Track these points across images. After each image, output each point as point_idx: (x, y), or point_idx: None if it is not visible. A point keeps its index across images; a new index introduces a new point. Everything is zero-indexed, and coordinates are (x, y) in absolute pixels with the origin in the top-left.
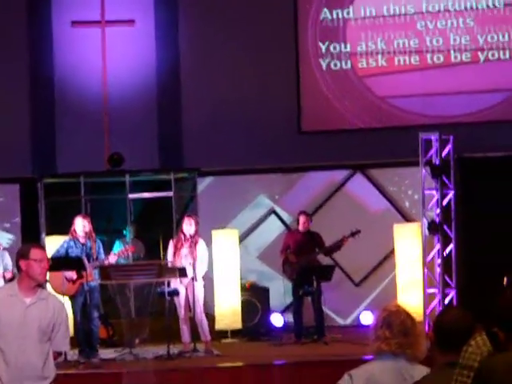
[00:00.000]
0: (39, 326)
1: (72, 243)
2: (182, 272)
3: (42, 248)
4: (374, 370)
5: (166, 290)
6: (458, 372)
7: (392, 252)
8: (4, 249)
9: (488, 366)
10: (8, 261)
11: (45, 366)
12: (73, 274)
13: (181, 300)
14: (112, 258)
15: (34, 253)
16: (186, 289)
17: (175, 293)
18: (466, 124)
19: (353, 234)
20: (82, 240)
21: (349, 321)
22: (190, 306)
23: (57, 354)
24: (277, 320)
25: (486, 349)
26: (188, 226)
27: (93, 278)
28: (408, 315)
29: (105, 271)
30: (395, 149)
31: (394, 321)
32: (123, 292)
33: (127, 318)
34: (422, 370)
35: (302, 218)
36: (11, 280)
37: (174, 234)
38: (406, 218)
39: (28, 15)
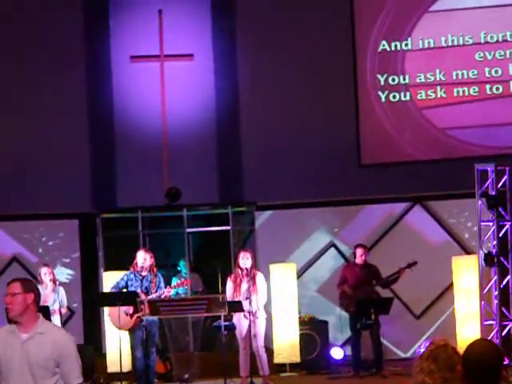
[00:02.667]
0: (37, 361)
1: (132, 276)
2: (237, 306)
3: (15, 281)
4: None
5: (223, 324)
6: None
7: (452, 284)
8: (60, 284)
9: None
10: (63, 297)
11: None
12: (130, 308)
13: (242, 333)
14: (168, 292)
15: (7, 287)
16: (248, 322)
17: (232, 327)
18: None
19: (409, 266)
20: (142, 273)
21: (409, 354)
22: (250, 340)
23: None
24: (336, 353)
25: None
26: (244, 260)
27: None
28: (455, 351)
29: (153, 305)
30: (454, 180)
31: (441, 355)
32: (179, 326)
33: (179, 352)
34: None
35: (359, 251)
36: (70, 316)
37: (233, 268)
38: (466, 249)
39: (87, 51)
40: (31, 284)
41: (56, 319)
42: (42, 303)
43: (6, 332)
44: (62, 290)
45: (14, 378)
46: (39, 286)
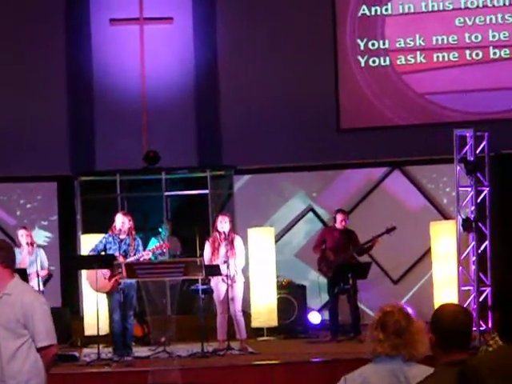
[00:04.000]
0: (0, 322)
1: (111, 239)
2: (214, 270)
3: None
4: (368, 372)
5: (200, 287)
6: None
7: (429, 250)
8: (39, 246)
9: (471, 369)
10: (44, 259)
11: (10, 364)
12: (107, 271)
13: (219, 297)
14: (147, 255)
15: None
16: (226, 286)
17: (209, 290)
18: (503, 120)
19: (388, 231)
20: (121, 237)
21: None
22: (227, 304)
23: (47, 353)
24: (314, 318)
25: None
26: (222, 224)
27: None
28: (403, 314)
29: (131, 268)
30: (433, 146)
31: (388, 321)
32: (156, 289)
33: (157, 315)
34: (420, 370)
35: (339, 217)
36: (48, 278)
37: (211, 232)
38: (444, 215)
39: (66, 14)
40: None
41: (35, 282)
42: (19, 266)
43: None
44: (42, 251)
45: None
46: (16, 249)
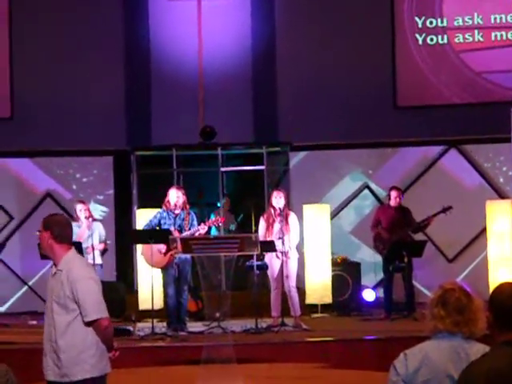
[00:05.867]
0: (53, 297)
1: (165, 214)
2: (269, 246)
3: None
4: (428, 348)
5: (255, 263)
6: None
7: (485, 229)
8: (96, 220)
9: (466, 377)
10: (102, 232)
11: (62, 338)
12: (163, 246)
13: (273, 273)
14: (202, 229)
15: None
16: (280, 262)
17: (264, 267)
18: None
19: (444, 210)
20: (175, 211)
21: None
22: (282, 280)
23: (97, 327)
24: (368, 295)
25: None
26: (277, 200)
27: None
28: (463, 292)
29: (186, 243)
30: (490, 124)
31: (449, 299)
32: (211, 264)
33: (211, 291)
34: (479, 348)
35: (393, 193)
36: (103, 252)
37: (266, 208)
38: (500, 194)
39: None
40: (49, 221)
41: (96, 255)
42: (76, 240)
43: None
44: (100, 225)
45: (45, 312)
46: (74, 223)
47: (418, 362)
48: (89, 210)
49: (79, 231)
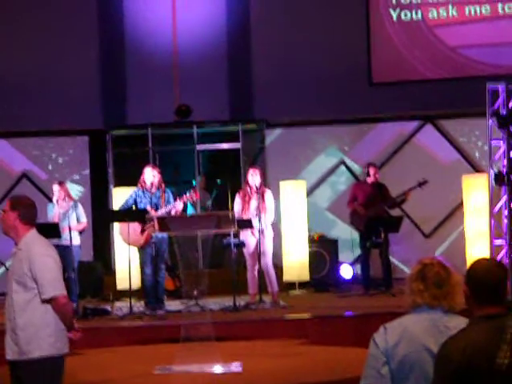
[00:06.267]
0: (13, 275)
1: (141, 193)
2: (246, 223)
3: (8, 199)
4: (408, 322)
5: (232, 241)
6: None
7: (462, 203)
8: (75, 201)
9: (444, 352)
10: (80, 213)
11: (21, 316)
12: (139, 225)
13: (250, 251)
14: (178, 205)
15: None
16: (256, 240)
17: (241, 244)
18: None
19: (420, 185)
20: (151, 190)
21: None
22: (258, 257)
23: (55, 304)
24: (346, 272)
25: None
26: (252, 177)
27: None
28: (442, 267)
29: (163, 222)
30: (465, 99)
31: (428, 273)
32: (188, 243)
33: (189, 269)
34: (459, 321)
35: (371, 170)
36: (81, 232)
37: (242, 186)
38: (476, 168)
39: None
40: (16, 202)
41: (74, 235)
42: (53, 220)
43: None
44: (79, 206)
45: (7, 292)
46: (50, 204)
47: (397, 335)
48: (66, 190)
49: (53, 212)
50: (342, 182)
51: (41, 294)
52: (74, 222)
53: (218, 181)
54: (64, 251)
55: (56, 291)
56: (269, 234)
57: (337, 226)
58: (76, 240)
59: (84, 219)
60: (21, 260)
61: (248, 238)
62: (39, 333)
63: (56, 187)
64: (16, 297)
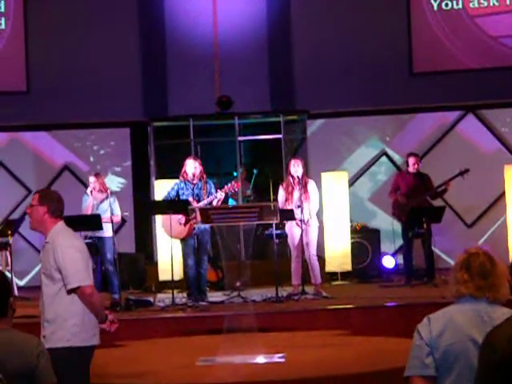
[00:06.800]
0: (42, 268)
1: (183, 185)
2: (289, 215)
3: (36, 193)
4: (452, 312)
5: (275, 232)
6: None
7: (504, 193)
8: (112, 193)
9: (489, 341)
10: (115, 205)
11: (49, 308)
12: (182, 217)
13: (294, 242)
14: (220, 195)
15: None
16: (300, 231)
17: (284, 235)
18: None
19: (461, 173)
20: (193, 182)
21: None
22: (302, 248)
23: (80, 294)
24: (388, 262)
25: None
26: (295, 168)
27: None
28: (488, 257)
29: (205, 213)
30: (507, 89)
31: (473, 263)
32: (230, 234)
33: (231, 260)
34: (503, 312)
35: (411, 160)
36: (120, 224)
37: (284, 177)
38: None
39: None
40: (45, 196)
41: (106, 228)
42: (86, 211)
43: None
44: (114, 198)
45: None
46: (85, 195)
47: (441, 325)
48: (102, 182)
49: (87, 204)
50: (383, 172)
51: (66, 284)
52: (107, 214)
53: (255, 170)
54: (98, 243)
55: (81, 282)
56: (313, 225)
57: (379, 217)
58: (109, 232)
59: (118, 212)
60: (48, 252)
61: (293, 228)
62: (65, 323)
63: (92, 178)
64: (46, 290)
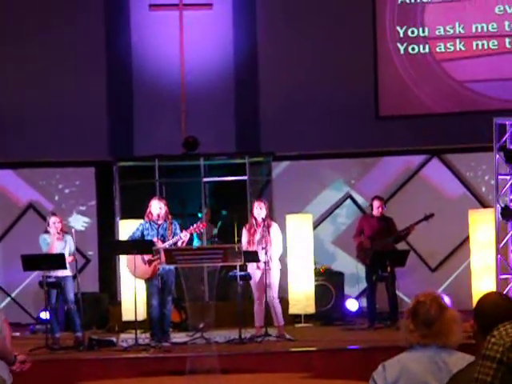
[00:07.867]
0: None
1: (148, 225)
2: (252, 256)
3: None
4: (406, 359)
5: (238, 274)
6: (481, 363)
7: (468, 238)
8: (67, 233)
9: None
10: (71, 244)
11: None
12: (148, 256)
13: (256, 283)
14: (185, 236)
15: None
16: (262, 273)
17: (247, 277)
18: None
19: (426, 218)
20: (158, 222)
21: None
22: (264, 290)
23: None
24: (351, 305)
25: (509, 339)
26: (258, 210)
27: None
28: (436, 304)
29: (170, 254)
30: (473, 134)
31: (419, 311)
32: (195, 275)
33: (195, 301)
34: (458, 357)
35: (376, 203)
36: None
37: (249, 219)
38: (483, 203)
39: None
40: None
41: (68, 267)
42: (48, 251)
43: None
44: (69, 238)
45: None
46: (46, 235)
47: (396, 372)
48: (61, 222)
49: (48, 242)
50: (348, 215)
51: None
52: (66, 254)
53: (224, 212)
54: (60, 283)
55: None
56: (275, 267)
57: (343, 260)
58: (67, 272)
59: (73, 251)
60: None
61: (254, 270)
62: None
63: (55, 218)
64: None
